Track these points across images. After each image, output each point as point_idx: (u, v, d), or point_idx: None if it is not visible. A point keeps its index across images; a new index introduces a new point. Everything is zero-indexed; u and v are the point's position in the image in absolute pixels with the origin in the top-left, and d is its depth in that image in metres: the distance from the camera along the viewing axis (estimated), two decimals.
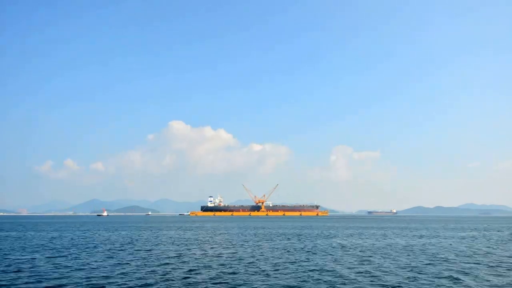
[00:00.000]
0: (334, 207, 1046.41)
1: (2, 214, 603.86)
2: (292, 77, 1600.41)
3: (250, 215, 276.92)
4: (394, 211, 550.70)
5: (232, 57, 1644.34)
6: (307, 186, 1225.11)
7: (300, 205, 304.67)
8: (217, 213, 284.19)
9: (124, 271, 22.16)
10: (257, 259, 26.93)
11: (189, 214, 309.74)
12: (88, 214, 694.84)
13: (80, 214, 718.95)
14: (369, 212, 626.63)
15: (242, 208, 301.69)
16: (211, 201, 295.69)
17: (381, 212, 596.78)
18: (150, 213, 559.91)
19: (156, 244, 39.01)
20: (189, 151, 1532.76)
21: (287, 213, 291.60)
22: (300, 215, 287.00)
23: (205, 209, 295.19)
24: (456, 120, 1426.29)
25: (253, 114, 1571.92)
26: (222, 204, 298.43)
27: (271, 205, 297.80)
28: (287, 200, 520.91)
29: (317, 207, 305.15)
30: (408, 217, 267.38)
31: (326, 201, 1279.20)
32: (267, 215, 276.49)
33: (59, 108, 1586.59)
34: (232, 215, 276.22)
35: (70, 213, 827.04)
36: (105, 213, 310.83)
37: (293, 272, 21.70)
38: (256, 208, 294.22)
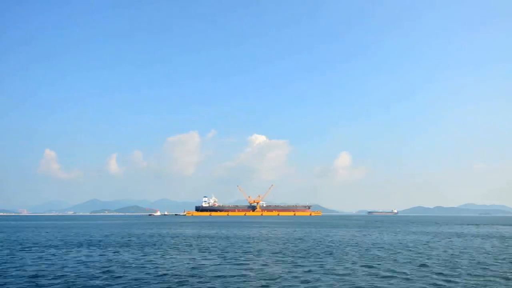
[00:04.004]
0: (334, 207, 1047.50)
1: (2, 214, 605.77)
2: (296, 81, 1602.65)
3: (245, 215, 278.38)
4: (395, 211, 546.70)
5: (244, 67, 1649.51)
6: (307, 186, 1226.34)
7: (293, 205, 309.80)
8: (213, 213, 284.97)
9: None
10: None
11: (185, 214, 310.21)
12: (88, 214, 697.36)
13: (80, 214, 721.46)
14: (369, 212, 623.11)
15: (238, 208, 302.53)
16: (205, 201, 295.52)
17: (381, 212, 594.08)
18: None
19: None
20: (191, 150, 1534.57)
21: (281, 213, 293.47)
22: (294, 214, 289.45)
23: (200, 209, 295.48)
24: (458, 121, 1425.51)
25: (255, 112, 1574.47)
26: (216, 204, 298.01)
27: (264, 205, 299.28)
28: (286, 200, 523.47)
29: (309, 207, 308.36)
30: (420, 217, 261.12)
31: (326, 201, 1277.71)
32: (262, 215, 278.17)
33: (60, 108, 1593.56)
34: (228, 215, 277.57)
35: (70, 213, 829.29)
36: (157, 213, 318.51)
37: None
38: (252, 208, 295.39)
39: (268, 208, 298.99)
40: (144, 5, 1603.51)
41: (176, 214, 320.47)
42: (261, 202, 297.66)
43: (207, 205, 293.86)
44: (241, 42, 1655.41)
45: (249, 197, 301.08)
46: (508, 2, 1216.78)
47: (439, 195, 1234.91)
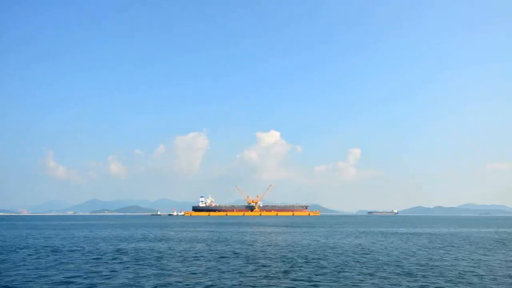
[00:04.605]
0: (334, 207, 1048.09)
1: (2, 214, 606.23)
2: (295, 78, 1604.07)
3: (244, 215, 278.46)
4: (395, 211, 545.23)
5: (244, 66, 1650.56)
6: (307, 186, 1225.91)
7: (290, 205, 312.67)
8: (212, 213, 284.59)
9: None
10: None
11: (183, 214, 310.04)
12: (88, 214, 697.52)
13: (80, 214, 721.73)
14: (369, 212, 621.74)
15: (237, 208, 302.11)
16: (202, 201, 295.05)
17: (381, 212, 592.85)
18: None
19: None
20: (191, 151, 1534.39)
21: (280, 213, 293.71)
22: (293, 214, 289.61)
23: (197, 209, 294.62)
24: (458, 121, 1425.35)
25: (256, 112, 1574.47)
26: (213, 205, 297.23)
27: (261, 206, 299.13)
28: (285, 200, 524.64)
29: (306, 207, 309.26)
30: (433, 217, 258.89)
31: (326, 201, 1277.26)
32: (260, 215, 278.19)
33: (60, 108, 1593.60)
34: (226, 215, 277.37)
35: (70, 213, 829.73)
36: (174, 213, 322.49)
37: None
38: (250, 208, 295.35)
39: (266, 208, 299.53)
40: (144, 5, 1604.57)
41: (169, 214, 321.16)
42: (258, 202, 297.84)
43: (203, 205, 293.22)
44: (241, 41, 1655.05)
45: (247, 197, 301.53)
46: (508, 2, 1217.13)
47: (439, 195, 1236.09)
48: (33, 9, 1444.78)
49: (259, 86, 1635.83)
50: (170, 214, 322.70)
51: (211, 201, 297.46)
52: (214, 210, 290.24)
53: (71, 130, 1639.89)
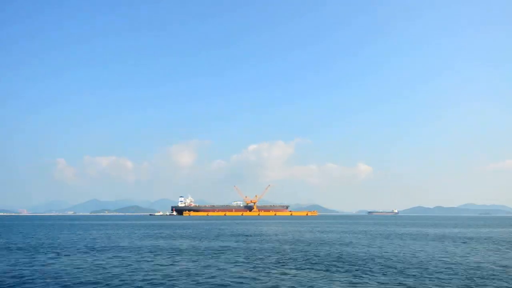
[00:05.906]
0: (334, 207, 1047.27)
1: (2, 214, 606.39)
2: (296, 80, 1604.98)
3: (242, 215, 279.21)
4: (396, 211, 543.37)
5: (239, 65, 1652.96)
6: (307, 186, 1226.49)
7: (271, 205, 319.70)
8: (211, 213, 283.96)
9: None
10: None
11: (183, 214, 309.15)
12: (88, 214, 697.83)
13: (80, 214, 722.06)
14: (369, 212, 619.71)
15: (235, 208, 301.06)
16: (181, 201, 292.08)
17: (382, 212, 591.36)
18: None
19: None
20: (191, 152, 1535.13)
21: (278, 213, 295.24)
22: (291, 214, 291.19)
23: (177, 209, 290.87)
24: (458, 121, 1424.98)
25: (256, 112, 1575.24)
26: (192, 204, 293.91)
27: (241, 206, 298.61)
28: (285, 200, 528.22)
29: (287, 207, 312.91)
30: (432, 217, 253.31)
31: (326, 201, 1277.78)
32: (259, 215, 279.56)
33: (59, 107, 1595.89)
34: (225, 215, 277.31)
35: (71, 213, 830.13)
36: (160, 213, 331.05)
37: None
38: (248, 208, 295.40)
39: (265, 208, 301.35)
40: (143, 4, 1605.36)
41: (169, 214, 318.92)
42: (251, 203, 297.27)
43: (183, 205, 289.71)
44: (243, 38, 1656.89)
45: (245, 197, 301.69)
46: (508, 2, 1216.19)
47: (439, 195, 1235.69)
48: (33, 7, 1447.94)
49: (260, 85, 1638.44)
50: (170, 214, 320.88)
51: (191, 201, 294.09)
52: (197, 210, 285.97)
53: (70, 130, 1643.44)
